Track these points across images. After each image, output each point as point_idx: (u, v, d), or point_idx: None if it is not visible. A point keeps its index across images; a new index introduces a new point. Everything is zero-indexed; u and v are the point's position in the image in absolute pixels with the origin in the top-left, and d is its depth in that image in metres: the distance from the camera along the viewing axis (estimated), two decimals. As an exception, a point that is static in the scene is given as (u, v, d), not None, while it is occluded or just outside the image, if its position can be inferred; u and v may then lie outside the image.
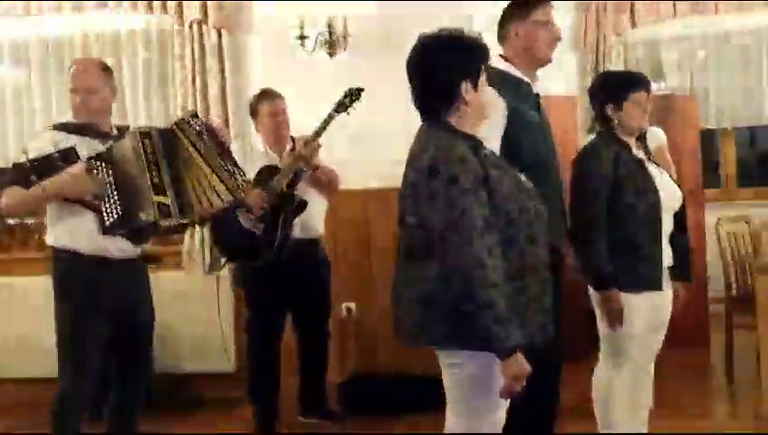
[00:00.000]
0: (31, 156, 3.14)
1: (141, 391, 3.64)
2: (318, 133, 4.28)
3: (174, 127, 3.34)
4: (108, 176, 3.25)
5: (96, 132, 3.41)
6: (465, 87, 2.42)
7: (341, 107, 4.31)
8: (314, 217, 4.49)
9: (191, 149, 3.28)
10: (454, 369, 2.44)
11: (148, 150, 3.25)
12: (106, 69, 3.55)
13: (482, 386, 2.40)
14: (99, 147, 3.33)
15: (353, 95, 4.31)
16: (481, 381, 2.40)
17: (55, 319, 3.40)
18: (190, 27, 5.24)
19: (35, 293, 4.77)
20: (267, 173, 4.32)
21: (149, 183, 3.21)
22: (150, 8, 5.29)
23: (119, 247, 3.37)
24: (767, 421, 4.23)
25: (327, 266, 4.64)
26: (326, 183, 4.45)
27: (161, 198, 3.21)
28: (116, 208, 3.27)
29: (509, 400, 2.42)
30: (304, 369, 4.67)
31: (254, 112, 4.50)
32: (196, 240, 5.25)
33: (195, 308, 5.29)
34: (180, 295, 5.29)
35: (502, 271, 2.28)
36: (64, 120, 3.49)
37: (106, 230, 3.27)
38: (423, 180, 2.35)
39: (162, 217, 3.20)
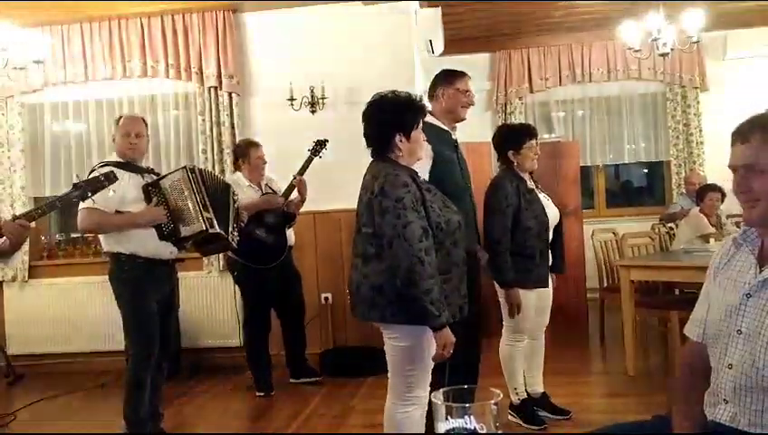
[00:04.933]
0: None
1: (165, 365, 3.53)
2: (302, 170, 4.38)
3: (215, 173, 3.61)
4: (161, 198, 3.28)
5: (137, 169, 3.38)
6: (399, 138, 2.40)
7: (315, 153, 4.44)
8: (292, 232, 4.52)
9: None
10: (394, 341, 2.41)
11: (195, 181, 3.32)
12: (146, 122, 3.56)
13: (414, 353, 2.38)
14: (141, 179, 3.33)
15: (322, 144, 4.45)
16: (414, 350, 2.38)
17: (122, 306, 3.32)
18: (209, 91, 5.19)
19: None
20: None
21: (198, 203, 3.29)
22: (179, 77, 5.22)
23: (169, 251, 3.36)
24: (630, 375, 4.28)
25: (295, 266, 4.59)
26: (299, 207, 4.49)
27: (207, 214, 3.30)
28: (170, 223, 3.29)
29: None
30: (289, 345, 4.61)
31: (243, 155, 4.44)
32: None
33: (211, 299, 5.23)
34: (200, 290, 5.23)
35: (435, 266, 2.28)
36: (112, 160, 3.41)
37: (162, 238, 3.28)
38: (375, 200, 2.33)
39: (210, 226, 3.30)
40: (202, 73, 5.18)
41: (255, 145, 4.45)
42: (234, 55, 5.15)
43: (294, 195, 4.41)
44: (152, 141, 5.50)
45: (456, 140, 3.27)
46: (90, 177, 2.85)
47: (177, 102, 5.47)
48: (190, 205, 3.27)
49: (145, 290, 3.31)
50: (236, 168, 4.49)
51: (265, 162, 4.45)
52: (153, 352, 3.33)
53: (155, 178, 3.38)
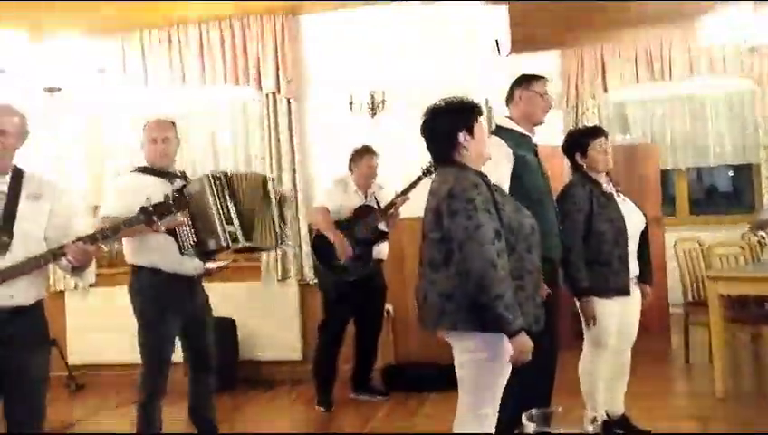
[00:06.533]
0: (144, 201, 2.85)
1: (211, 379, 3.49)
2: (407, 190, 4.34)
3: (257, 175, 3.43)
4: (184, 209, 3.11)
5: (166, 175, 3.32)
6: (463, 135, 2.42)
7: (428, 172, 4.21)
8: (384, 246, 4.53)
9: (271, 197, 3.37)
10: (466, 354, 2.39)
11: (218, 190, 3.21)
12: (174, 124, 3.43)
13: (487, 368, 2.36)
14: (169, 186, 3.23)
15: None
16: (486, 364, 2.35)
17: (137, 319, 3.29)
18: (267, 97, 5.26)
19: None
20: (364, 210, 4.40)
21: (221, 215, 3.18)
22: (237, 82, 5.32)
23: (193, 266, 3.29)
24: (719, 397, 4.09)
25: (384, 280, 4.64)
26: (395, 222, 4.50)
27: (230, 228, 3.19)
28: (191, 236, 3.20)
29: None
30: (360, 356, 4.64)
31: (354, 160, 4.47)
32: (271, 258, 5.24)
33: (270, 311, 5.29)
34: (259, 300, 5.29)
35: (507, 270, 2.27)
36: (141, 165, 3.38)
37: (184, 253, 3.20)
38: (445, 202, 2.33)
39: (232, 241, 3.20)
40: (260, 79, 5.26)
41: (369, 153, 4.46)
42: (292, 60, 5.21)
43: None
44: (210, 149, 5.68)
45: (536, 145, 3.26)
46: (161, 201, 2.79)
47: (235, 108, 5.59)
48: (213, 217, 3.17)
49: (161, 307, 3.24)
50: (350, 169, 4.52)
51: (375, 173, 4.47)
52: (162, 370, 3.28)
53: (184, 184, 3.29)
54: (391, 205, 4.39)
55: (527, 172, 3.01)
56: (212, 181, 3.21)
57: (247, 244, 3.27)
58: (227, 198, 3.22)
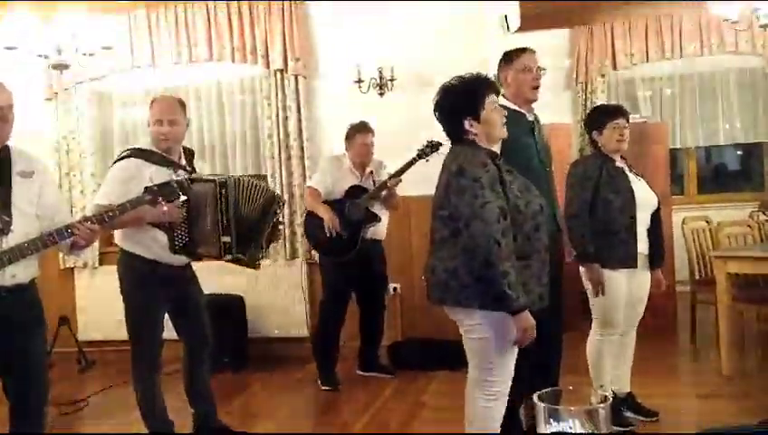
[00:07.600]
0: (150, 182, 2.87)
1: (205, 351, 3.43)
2: (400, 172, 4.26)
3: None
4: (182, 207, 3.07)
5: (167, 162, 3.18)
6: (469, 122, 2.43)
7: (423, 154, 4.19)
8: (381, 226, 4.47)
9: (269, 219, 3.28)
10: (472, 331, 2.42)
11: (222, 197, 3.14)
12: (183, 104, 3.29)
13: (493, 344, 2.39)
14: (170, 173, 3.10)
15: (433, 147, 4.12)
16: (493, 340, 2.38)
17: (123, 300, 3.27)
18: (274, 74, 5.25)
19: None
20: (355, 191, 4.33)
21: (219, 224, 3.13)
22: (245, 60, 5.30)
23: (181, 260, 3.26)
24: (725, 375, 4.10)
25: (384, 260, 4.60)
26: (393, 204, 4.44)
27: (225, 238, 3.14)
28: (185, 236, 3.16)
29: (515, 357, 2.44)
30: (365, 335, 4.65)
31: (348, 137, 4.40)
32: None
33: (277, 288, 5.32)
34: (266, 279, 5.30)
35: (511, 249, 2.29)
36: (140, 147, 3.24)
37: (175, 252, 3.16)
38: (453, 180, 2.36)
39: (225, 252, 3.16)
40: (268, 56, 5.23)
41: (363, 130, 4.36)
42: (300, 37, 5.19)
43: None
44: (218, 129, 5.67)
45: (532, 122, 3.22)
46: (163, 181, 2.77)
47: (243, 87, 5.57)
48: (209, 224, 3.13)
49: (146, 289, 3.20)
50: (345, 147, 4.43)
51: (370, 151, 4.37)
52: (152, 349, 3.28)
53: (186, 175, 3.13)
54: (383, 186, 4.30)
55: (516, 151, 2.97)
56: (218, 189, 3.14)
57: (238, 256, 3.21)
58: (230, 207, 3.15)
